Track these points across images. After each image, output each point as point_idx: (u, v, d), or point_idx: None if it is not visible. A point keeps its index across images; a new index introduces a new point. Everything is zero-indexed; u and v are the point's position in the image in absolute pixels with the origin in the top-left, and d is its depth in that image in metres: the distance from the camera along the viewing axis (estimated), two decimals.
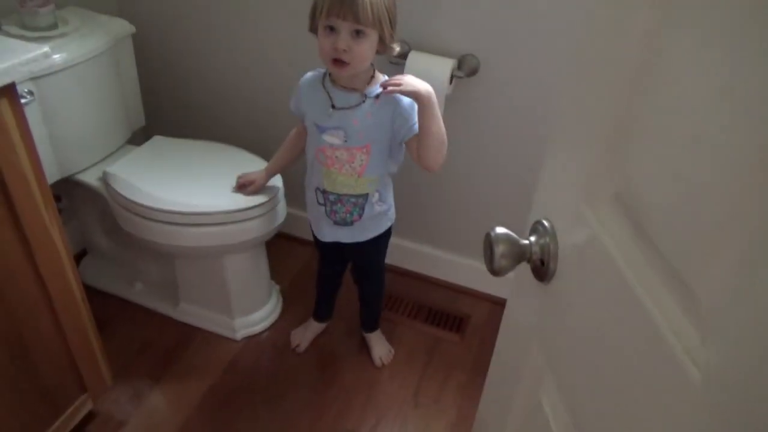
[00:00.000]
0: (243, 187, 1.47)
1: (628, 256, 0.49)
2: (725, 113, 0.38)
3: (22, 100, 1.01)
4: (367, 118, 1.21)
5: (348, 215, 1.34)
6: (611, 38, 0.53)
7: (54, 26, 1.43)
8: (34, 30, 1.39)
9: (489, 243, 0.62)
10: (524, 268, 0.66)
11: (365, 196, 1.31)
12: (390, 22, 1.13)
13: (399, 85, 1.15)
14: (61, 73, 1.39)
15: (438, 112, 1.17)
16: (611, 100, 0.52)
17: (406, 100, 1.20)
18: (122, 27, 1.59)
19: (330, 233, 1.39)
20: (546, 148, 0.66)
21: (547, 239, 0.62)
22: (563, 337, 0.60)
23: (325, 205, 1.34)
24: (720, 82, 0.38)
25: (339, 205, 1.33)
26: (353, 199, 1.31)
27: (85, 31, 1.47)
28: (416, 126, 1.20)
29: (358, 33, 1.10)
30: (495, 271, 0.62)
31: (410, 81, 1.15)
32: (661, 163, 0.45)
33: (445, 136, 1.20)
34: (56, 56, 1.36)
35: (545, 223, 0.63)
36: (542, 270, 0.62)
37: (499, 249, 0.61)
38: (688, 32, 0.42)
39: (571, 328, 0.58)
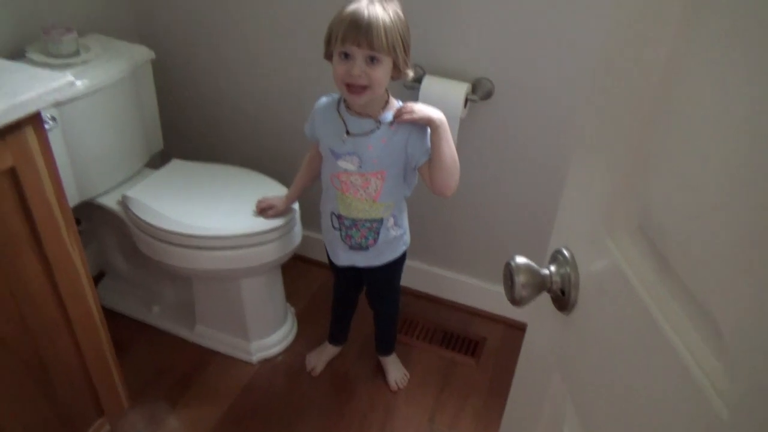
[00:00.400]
0: (263, 211, 1.48)
1: (650, 287, 0.48)
2: (748, 141, 0.37)
3: (45, 126, 1.03)
4: (381, 144, 1.22)
5: (363, 240, 1.34)
6: (630, 66, 0.53)
7: (76, 53, 1.46)
8: (58, 57, 1.43)
9: (509, 273, 0.62)
10: (544, 298, 0.66)
11: (380, 221, 1.32)
12: (404, 49, 1.15)
13: (411, 112, 1.17)
14: (83, 99, 1.42)
15: (450, 137, 1.19)
16: (631, 128, 0.52)
17: (420, 126, 1.21)
18: (142, 53, 1.62)
19: (345, 257, 1.39)
20: (564, 175, 0.66)
21: (568, 269, 0.61)
22: (585, 368, 0.60)
23: (340, 229, 1.35)
24: (742, 110, 0.38)
25: (354, 229, 1.33)
26: (368, 224, 1.32)
27: (106, 57, 1.51)
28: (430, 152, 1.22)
29: (372, 60, 1.12)
30: (516, 301, 0.62)
31: (422, 108, 1.18)
32: (683, 193, 0.45)
33: (458, 162, 1.21)
34: (78, 83, 1.39)
35: (565, 252, 0.63)
36: (563, 300, 0.62)
37: (520, 279, 0.61)
38: (709, 60, 0.42)
39: (594, 360, 0.58)
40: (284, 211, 1.49)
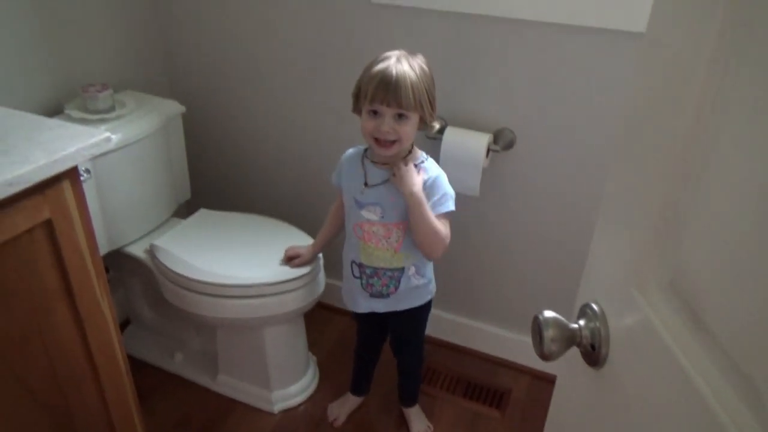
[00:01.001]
0: (290, 259, 1.50)
1: (683, 345, 0.48)
2: None
3: (81, 178, 1.07)
4: (402, 195, 1.25)
5: (384, 288, 1.35)
6: (659, 120, 0.54)
7: (112, 109, 1.53)
8: (94, 113, 1.49)
9: (537, 327, 0.61)
10: (574, 352, 0.65)
11: (401, 270, 1.32)
12: (430, 103, 1.18)
13: (399, 179, 1.21)
14: (117, 152, 1.47)
15: (425, 212, 1.21)
16: (660, 182, 0.52)
17: (434, 177, 1.24)
18: (173, 107, 1.68)
19: (366, 305, 1.40)
20: (591, 224, 0.66)
21: (597, 323, 0.61)
22: (618, 427, 0.58)
23: (361, 278, 1.36)
24: None
25: (375, 278, 1.34)
26: (389, 273, 1.33)
27: (139, 112, 1.57)
28: (441, 207, 1.24)
29: (400, 116, 1.15)
30: (545, 356, 0.61)
31: (404, 178, 1.21)
32: (716, 249, 0.45)
33: (440, 235, 1.23)
34: (113, 137, 1.44)
35: (594, 306, 0.62)
36: (593, 355, 0.61)
37: (549, 333, 0.60)
38: (742, 113, 0.42)
39: (626, 418, 0.57)
40: (310, 260, 1.50)
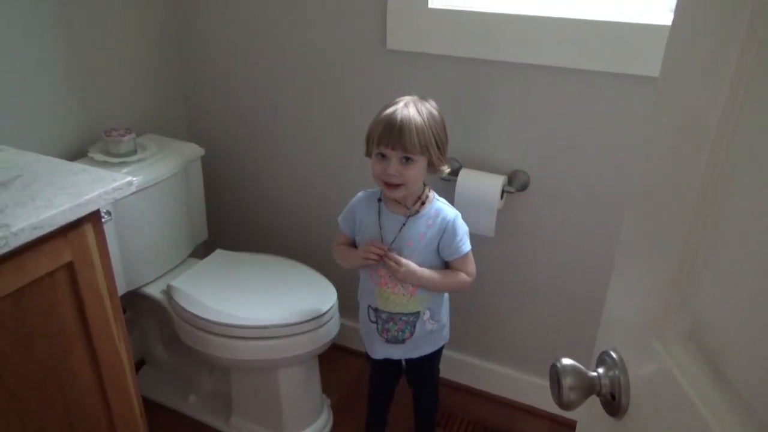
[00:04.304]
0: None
1: (704, 395, 0.47)
2: None
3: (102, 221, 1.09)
4: (420, 240, 1.25)
5: (399, 333, 1.34)
6: (672, 168, 0.54)
7: (134, 152, 1.56)
8: (117, 156, 1.53)
9: (556, 375, 0.61)
10: (593, 401, 0.64)
11: (416, 314, 1.32)
12: (438, 148, 1.20)
13: (395, 262, 1.25)
14: (137, 195, 1.50)
15: (430, 281, 1.27)
16: (676, 231, 0.52)
17: (452, 220, 1.26)
18: (193, 150, 1.72)
19: (381, 351, 1.39)
20: (608, 266, 0.66)
21: (617, 371, 0.60)
22: None
23: (377, 322, 1.35)
24: None
25: (391, 323, 1.34)
26: (405, 317, 1.32)
27: (160, 156, 1.60)
28: (462, 248, 1.26)
29: (407, 159, 1.18)
30: (564, 405, 0.60)
31: (403, 279, 1.25)
32: (735, 300, 0.44)
33: (460, 285, 1.30)
34: (135, 180, 1.47)
35: (613, 354, 0.61)
36: (613, 405, 0.60)
37: (567, 381, 0.60)
38: (757, 160, 0.43)
39: None
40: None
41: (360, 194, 1.37)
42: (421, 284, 1.27)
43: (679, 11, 0.54)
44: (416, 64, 1.55)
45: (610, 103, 1.38)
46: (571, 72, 1.39)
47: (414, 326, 1.33)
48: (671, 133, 0.55)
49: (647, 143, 0.59)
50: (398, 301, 1.30)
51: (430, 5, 1.46)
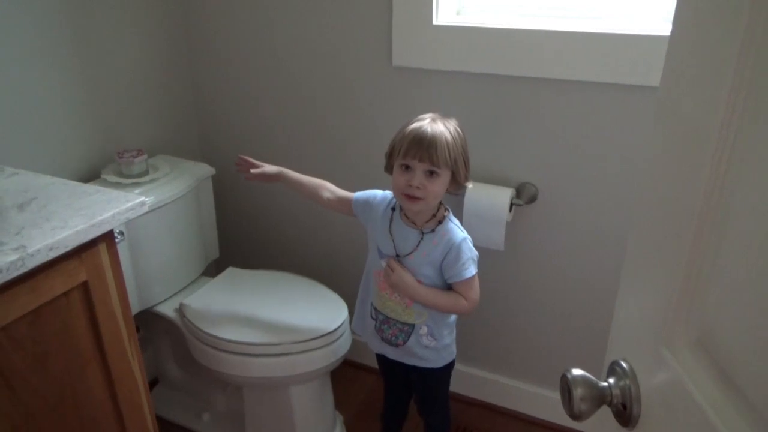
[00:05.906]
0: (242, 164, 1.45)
1: (715, 403, 0.47)
2: None
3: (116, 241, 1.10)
4: (421, 257, 1.26)
5: (393, 337, 1.35)
6: (676, 179, 0.54)
7: (146, 173, 1.59)
8: (129, 177, 1.55)
9: (566, 385, 0.61)
10: (605, 412, 0.64)
11: (412, 326, 1.32)
12: (464, 163, 1.21)
13: (392, 276, 1.26)
14: (150, 214, 1.51)
15: (423, 297, 1.26)
16: (681, 240, 0.52)
17: (458, 244, 1.25)
18: (204, 170, 1.74)
19: (378, 346, 1.41)
20: (617, 276, 0.66)
21: (627, 381, 0.60)
22: None
23: (375, 320, 1.37)
24: None
25: (386, 325, 1.35)
26: (399, 325, 1.33)
27: (172, 176, 1.63)
28: (465, 273, 1.25)
29: (432, 173, 1.18)
30: (575, 416, 0.60)
31: (394, 279, 1.26)
32: (742, 307, 0.44)
33: (456, 307, 1.27)
34: (147, 200, 1.50)
35: (623, 364, 0.61)
36: (625, 415, 0.60)
37: (578, 392, 0.60)
38: (759, 168, 0.43)
39: None
40: (271, 177, 1.48)
41: (381, 194, 1.35)
42: (413, 298, 1.26)
43: (677, 22, 0.55)
44: (422, 80, 1.56)
45: (617, 114, 1.39)
46: (576, 84, 1.40)
47: (408, 336, 1.33)
48: (673, 142, 0.55)
49: (650, 153, 0.59)
50: (394, 307, 1.32)
51: (435, 22, 1.48)
